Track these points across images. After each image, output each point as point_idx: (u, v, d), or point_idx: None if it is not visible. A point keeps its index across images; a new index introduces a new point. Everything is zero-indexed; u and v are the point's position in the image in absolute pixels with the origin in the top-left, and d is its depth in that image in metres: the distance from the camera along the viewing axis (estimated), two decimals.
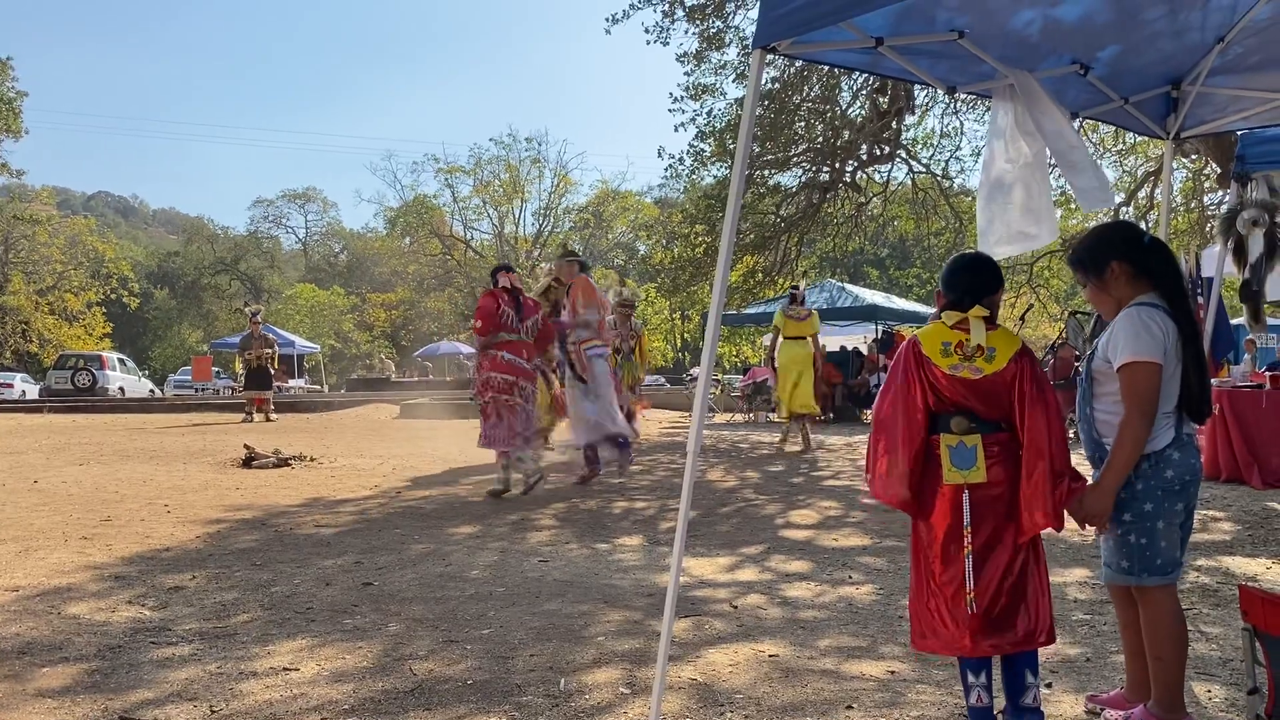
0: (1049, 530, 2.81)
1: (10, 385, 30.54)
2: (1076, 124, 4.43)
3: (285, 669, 3.65)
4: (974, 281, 2.90)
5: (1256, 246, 6.18)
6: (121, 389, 30.45)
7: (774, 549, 5.97)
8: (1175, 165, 14.36)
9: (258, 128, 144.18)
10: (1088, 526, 2.89)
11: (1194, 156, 14.81)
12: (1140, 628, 3.03)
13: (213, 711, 3.23)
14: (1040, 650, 2.95)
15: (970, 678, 2.84)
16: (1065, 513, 2.82)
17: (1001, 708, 2.88)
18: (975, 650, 2.78)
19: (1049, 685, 3.45)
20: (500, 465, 8.00)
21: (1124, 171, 19.09)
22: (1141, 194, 17.07)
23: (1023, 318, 13.18)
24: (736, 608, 4.56)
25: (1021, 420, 2.79)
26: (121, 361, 33.25)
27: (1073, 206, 20.53)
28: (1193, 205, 17.85)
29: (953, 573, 2.77)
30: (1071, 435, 6.35)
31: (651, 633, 4.06)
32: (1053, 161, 3.59)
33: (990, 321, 2.86)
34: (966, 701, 2.87)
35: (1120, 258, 2.95)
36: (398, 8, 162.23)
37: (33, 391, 31.07)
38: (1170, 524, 2.87)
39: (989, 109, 3.74)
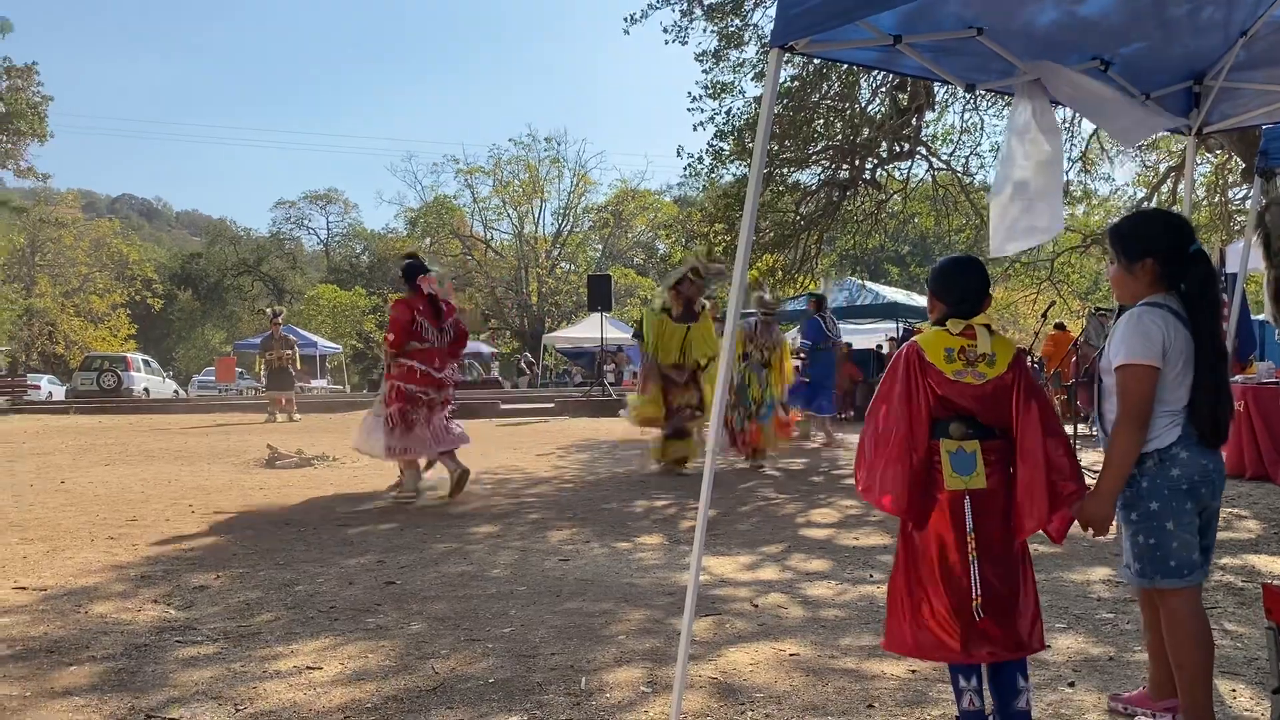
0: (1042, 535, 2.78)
1: (37, 387, 30.81)
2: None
3: (308, 668, 3.68)
4: (974, 287, 2.87)
5: None
6: (146, 390, 30.65)
7: (794, 548, 5.96)
8: (1198, 160, 14.24)
9: (279, 130, 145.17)
10: (1091, 532, 2.82)
11: (1217, 151, 14.66)
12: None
13: (236, 710, 3.26)
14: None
15: (961, 682, 2.84)
16: (1066, 525, 2.79)
17: (991, 709, 2.86)
18: (973, 656, 2.77)
19: (1071, 685, 3.44)
20: (408, 474, 7.79)
21: (1145, 167, 18.93)
22: (1164, 189, 16.91)
23: (1045, 315, 13.01)
24: (757, 606, 4.56)
25: (1016, 426, 2.77)
26: (146, 363, 33.49)
27: (1094, 202, 20.41)
28: (1216, 200, 17.67)
29: (954, 579, 2.75)
30: (1095, 432, 6.30)
31: (672, 631, 4.07)
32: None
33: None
34: (958, 706, 2.86)
35: (1157, 257, 2.84)
36: (417, 11, 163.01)
37: (59, 393, 31.34)
38: (1181, 523, 2.78)
39: (1009, 105, 3.71)
